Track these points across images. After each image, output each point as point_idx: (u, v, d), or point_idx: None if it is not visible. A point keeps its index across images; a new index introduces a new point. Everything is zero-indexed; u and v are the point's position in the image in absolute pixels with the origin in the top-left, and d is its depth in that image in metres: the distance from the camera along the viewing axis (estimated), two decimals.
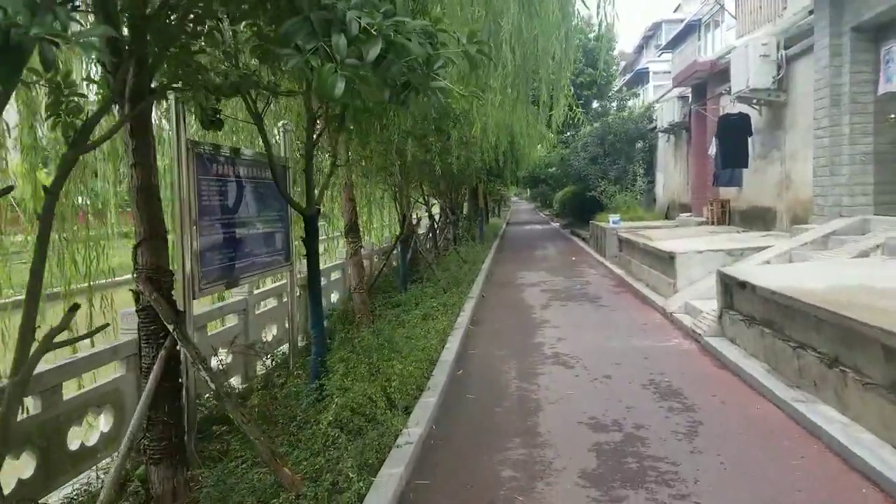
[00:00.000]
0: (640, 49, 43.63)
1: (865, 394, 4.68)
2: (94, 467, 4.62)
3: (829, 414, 5.01)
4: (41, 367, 3.95)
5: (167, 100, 4.89)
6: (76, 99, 3.54)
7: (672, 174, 21.35)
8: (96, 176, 6.68)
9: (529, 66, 6.08)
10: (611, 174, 22.66)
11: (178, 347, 4.17)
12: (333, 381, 5.71)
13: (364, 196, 12.05)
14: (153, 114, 5.02)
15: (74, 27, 2.01)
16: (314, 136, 5.82)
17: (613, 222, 17.04)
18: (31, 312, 2.68)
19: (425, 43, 2.45)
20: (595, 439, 4.96)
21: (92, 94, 4.86)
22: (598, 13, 6.74)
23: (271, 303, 7.97)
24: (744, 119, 13.60)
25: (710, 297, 8.65)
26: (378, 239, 14.01)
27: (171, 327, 4.09)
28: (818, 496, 3.95)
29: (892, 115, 9.65)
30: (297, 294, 7.34)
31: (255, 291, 7.51)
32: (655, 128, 22.38)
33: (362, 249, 10.45)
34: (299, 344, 7.51)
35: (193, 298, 5.01)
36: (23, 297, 2.70)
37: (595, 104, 32.08)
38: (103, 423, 4.83)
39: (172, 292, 4.25)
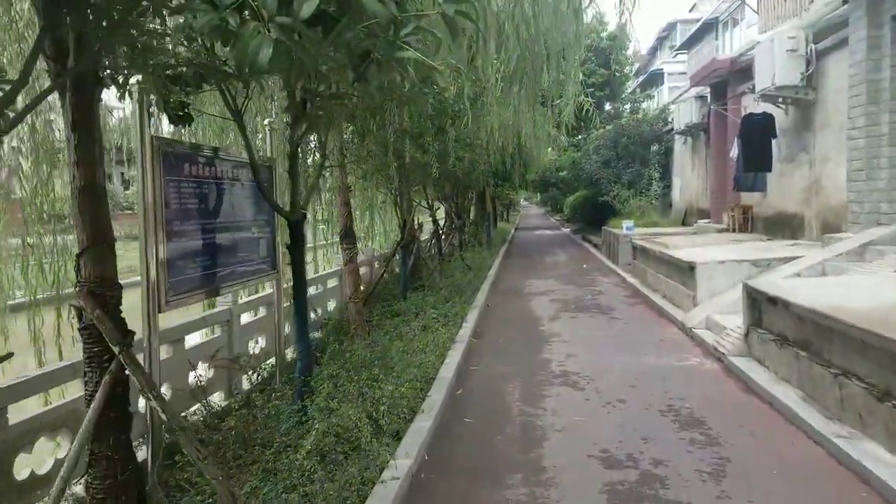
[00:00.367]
0: (653, 50, 42.81)
1: None
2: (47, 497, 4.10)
3: (878, 454, 4.36)
4: None
5: (130, 93, 4.37)
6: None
7: (689, 178, 20.62)
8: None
9: (536, 56, 5.46)
10: (624, 178, 21.95)
11: (126, 371, 3.63)
12: (317, 401, 5.16)
13: (365, 200, 11.51)
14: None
15: None
16: (299, 134, 5.28)
17: (627, 228, 16.37)
18: None
19: (388, 1, 1.87)
20: (607, 478, 4.35)
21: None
22: (619, 4, 6.12)
23: (261, 312, 7.44)
24: (768, 119, 12.88)
25: (734, 312, 7.99)
26: (380, 245, 13.47)
27: (116, 349, 3.55)
28: None
29: None
30: (286, 304, 6.81)
31: (241, 301, 7.00)
32: (671, 130, 21.65)
33: (361, 256, 9.91)
34: (288, 357, 6.97)
35: (159, 311, 4.48)
36: None
37: (608, 106, 31.36)
38: (58, 447, 4.33)
39: (123, 307, 3.73)
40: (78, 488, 4.12)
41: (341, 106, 4.52)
